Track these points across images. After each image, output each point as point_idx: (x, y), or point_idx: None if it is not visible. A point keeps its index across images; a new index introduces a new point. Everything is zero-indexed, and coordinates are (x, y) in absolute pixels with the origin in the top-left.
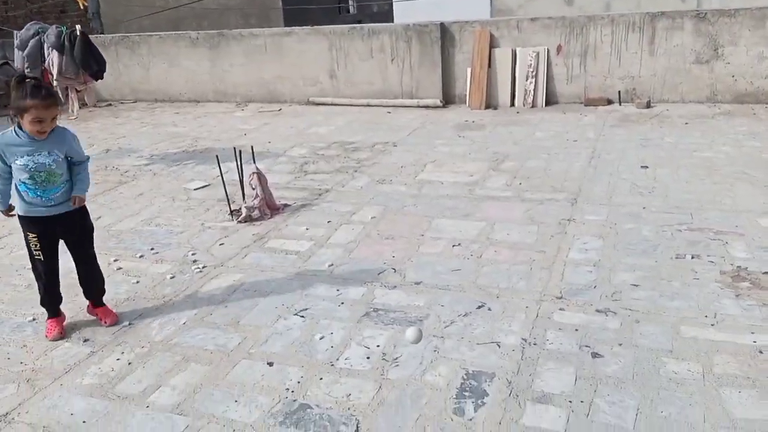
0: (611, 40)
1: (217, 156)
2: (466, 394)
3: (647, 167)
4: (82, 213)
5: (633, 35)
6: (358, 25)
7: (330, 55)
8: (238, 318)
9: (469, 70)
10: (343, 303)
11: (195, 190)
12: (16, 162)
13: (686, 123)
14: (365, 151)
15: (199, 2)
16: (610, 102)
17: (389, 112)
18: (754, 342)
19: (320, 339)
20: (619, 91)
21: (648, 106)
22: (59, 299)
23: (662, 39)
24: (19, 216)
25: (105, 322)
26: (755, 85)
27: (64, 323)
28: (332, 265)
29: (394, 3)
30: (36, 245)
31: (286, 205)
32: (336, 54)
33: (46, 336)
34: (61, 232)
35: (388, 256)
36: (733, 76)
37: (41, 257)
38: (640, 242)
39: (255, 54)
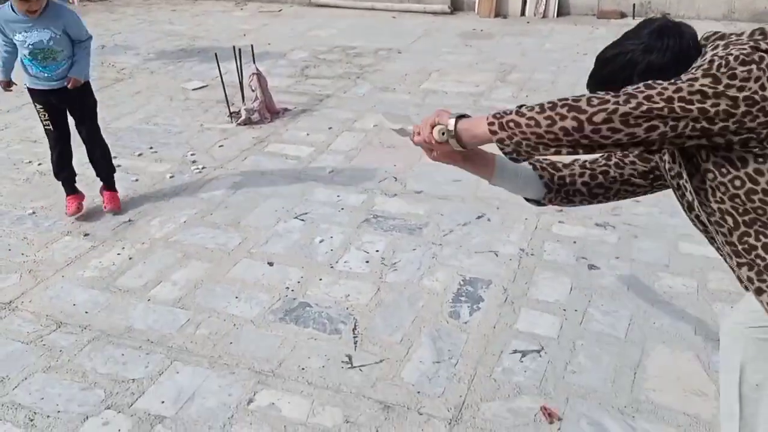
0: None
1: (216, 55)
2: (462, 298)
3: None
4: (84, 89)
5: None
6: None
7: None
8: (239, 219)
9: None
10: (343, 208)
11: (193, 90)
12: (16, 37)
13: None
14: (368, 56)
15: None
16: (623, 15)
17: (394, 17)
18: None
19: (320, 242)
20: (634, 4)
21: None
22: (72, 173)
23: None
24: (27, 87)
25: (105, 207)
26: None
27: (84, 201)
28: (333, 170)
29: None
30: (44, 115)
31: (286, 110)
32: None
33: (66, 213)
34: (66, 105)
35: (389, 165)
36: None
37: (50, 126)
38: None
39: None
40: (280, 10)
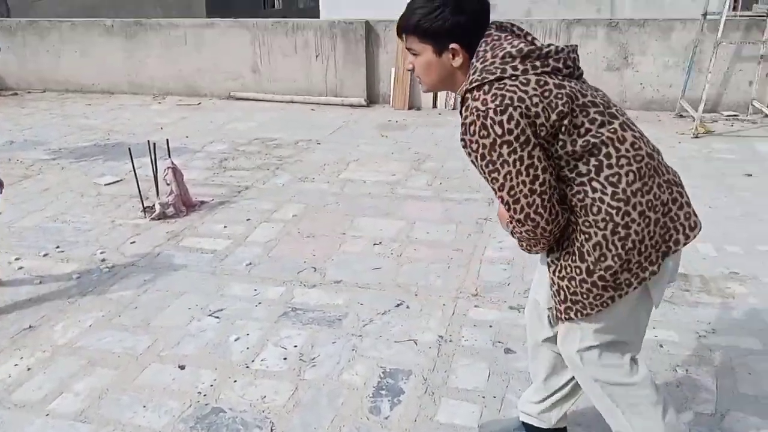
0: None
1: (129, 149)
2: (383, 392)
3: None
4: None
5: (550, 41)
6: (282, 19)
7: (253, 49)
8: (149, 319)
9: (393, 69)
10: (260, 303)
11: (106, 185)
12: None
13: None
14: (288, 148)
15: None
16: None
17: (313, 110)
18: (655, 336)
19: (235, 340)
20: None
21: None
22: None
23: (577, 45)
24: None
25: None
26: (660, 93)
27: None
28: (250, 264)
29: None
30: None
31: (203, 202)
32: (259, 48)
33: None
34: None
35: (308, 255)
36: (641, 84)
37: None
38: None
39: (174, 45)
40: (199, 104)
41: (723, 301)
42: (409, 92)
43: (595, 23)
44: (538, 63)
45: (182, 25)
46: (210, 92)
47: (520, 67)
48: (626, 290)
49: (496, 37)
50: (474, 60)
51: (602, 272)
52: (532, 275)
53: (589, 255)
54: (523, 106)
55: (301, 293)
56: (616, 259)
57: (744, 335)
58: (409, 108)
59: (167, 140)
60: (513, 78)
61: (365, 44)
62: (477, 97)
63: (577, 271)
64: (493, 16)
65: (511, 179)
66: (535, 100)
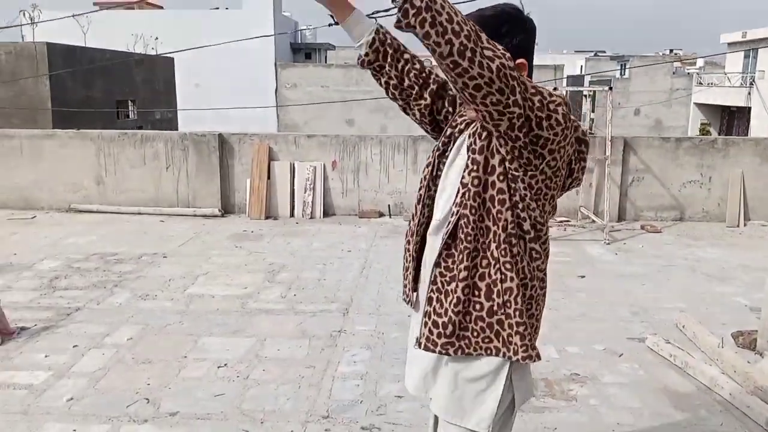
0: (380, 158)
1: None
2: None
3: None
4: None
5: (399, 155)
6: (129, 131)
7: (97, 160)
8: None
9: (248, 180)
10: None
11: None
12: None
13: None
14: (129, 263)
15: None
16: (381, 215)
17: (162, 221)
18: None
19: None
20: (389, 205)
21: None
22: None
23: (423, 159)
24: None
25: None
26: None
27: None
28: (72, 399)
29: (179, 111)
30: None
31: (23, 329)
32: (104, 159)
33: None
34: None
35: (142, 385)
36: None
37: None
38: (405, 351)
39: (8, 156)
40: (33, 217)
41: (567, 404)
42: (265, 202)
43: None
44: None
45: (18, 135)
46: (48, 205)
47: None
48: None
49: None
50: None
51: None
52: (384, 389)
53: (498, 296)
54: None
55: (129, 431)
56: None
57: None
58: (266, 217)
59: None
60: None
61: (219, 156)
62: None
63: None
64: (353, 131)
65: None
66: None
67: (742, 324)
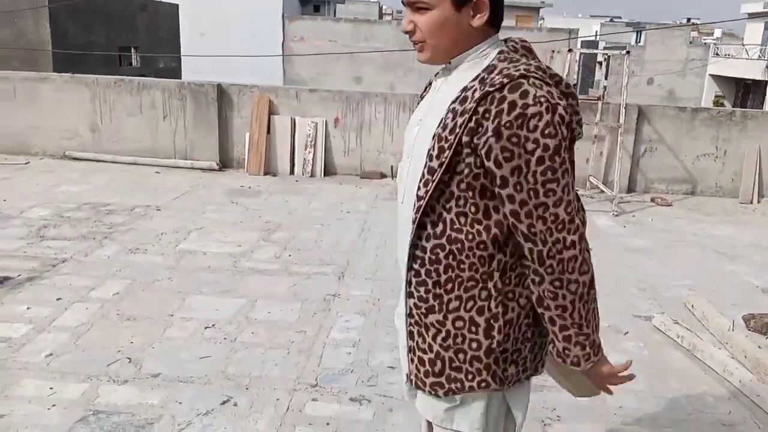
0: (384, 117)
1: None
2: None
3: None
4: None
5: (404, 114)
6: (126, 77)
7: (92, 107)
8: None
9: (248, 134)
10: (54, 405)
11: None
12: None
13: None
14: (122, 214)
15: None
16: (383, 176)
17: (158, 173)
18: None
19: None
20: (392, 166)
21: None
22: None
23: None
24: None
25: None
26: None
27: None
28: (51, 354)
29: (183, 60)
30: None
31: (6, 278)
32: (100, 106)
33: None
34: None
35: (125, 343)
36: None
37: None
38: None
39: (1, 100)
40: (27, 163)
41: None
42: (264, 157)
43: None
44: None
45: (12, 77)
46: (43, 151)
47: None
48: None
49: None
50: (505, 53)
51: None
52: (376, 358)
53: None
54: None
55: (108, 391)
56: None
57: (587, 421)
58: (265, 174)
59: None
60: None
61: (218, 107)
62: (538, 85)
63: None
64: (361, 87)
65: (569, 192)
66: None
67: (754, 306)
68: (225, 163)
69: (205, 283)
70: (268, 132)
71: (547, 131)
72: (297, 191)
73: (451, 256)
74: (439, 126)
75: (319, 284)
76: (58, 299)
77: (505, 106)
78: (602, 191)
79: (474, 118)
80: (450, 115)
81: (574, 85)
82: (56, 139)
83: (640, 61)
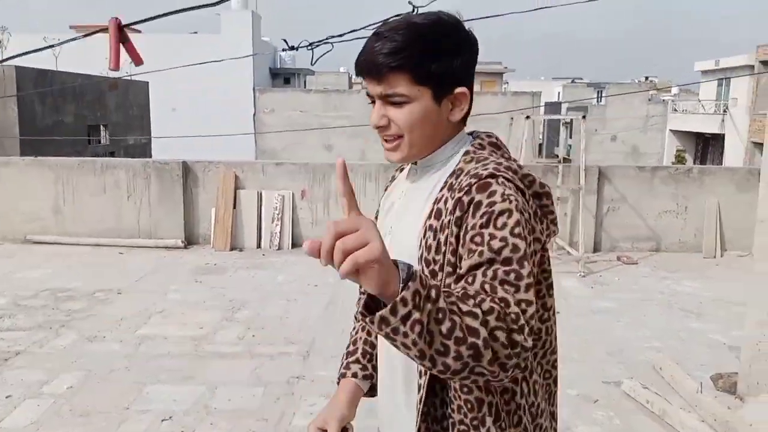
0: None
1: None
2: None
3: None
4: None
5: (371, 184)
6: (90, 158)
7: (55, 189)
8: None
9: (213, 210)
10: None
11: None
12: None
13: None
14: (81, 300)
15: None
16: None
17: (121, 253)
18: None
19: None
20: None
21: None
22: None
23: None
24: None
25: None
26: None
27: None
28: None
29: (153, 139)
30: None
31: None
32: (63, 188)
33: None
34: None
35: None
36: None
37: None
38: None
39: None
40: None
41: None
42: (231, 232)
43: None
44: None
45: None
46: (3, 236)
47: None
48: None
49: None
50: (471, 153)
51: None
52: None
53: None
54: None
55: None
56: None
57: None
58: (231, 249)
59: None
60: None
61: (183, 185)
62: (508, 184)
63: None
64: (332, 156)
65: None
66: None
67: (722, 365)
68: (190, 239)
69: (165, 371)
70: (234, 207)
71: (514, 230)
72: (263, 266)
73: None
74: (421, 247)
75: (283, 365)
76: (7, 396)
77: (472, 208)
78: (569, 253)
79: (453, 230)
80: (430, 234)
81: (540, 145)
82: (17, 223)
83: (602, 119)
